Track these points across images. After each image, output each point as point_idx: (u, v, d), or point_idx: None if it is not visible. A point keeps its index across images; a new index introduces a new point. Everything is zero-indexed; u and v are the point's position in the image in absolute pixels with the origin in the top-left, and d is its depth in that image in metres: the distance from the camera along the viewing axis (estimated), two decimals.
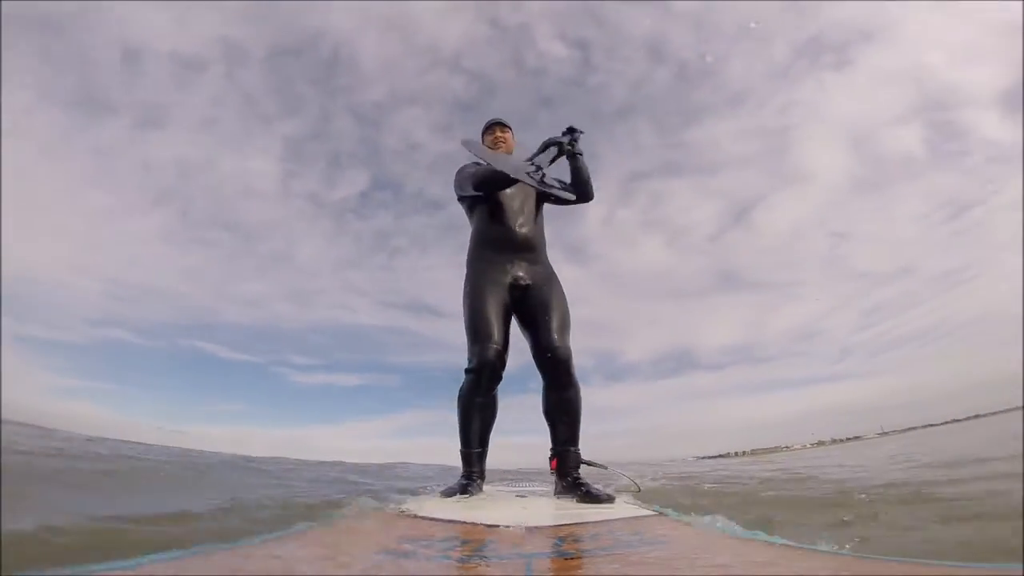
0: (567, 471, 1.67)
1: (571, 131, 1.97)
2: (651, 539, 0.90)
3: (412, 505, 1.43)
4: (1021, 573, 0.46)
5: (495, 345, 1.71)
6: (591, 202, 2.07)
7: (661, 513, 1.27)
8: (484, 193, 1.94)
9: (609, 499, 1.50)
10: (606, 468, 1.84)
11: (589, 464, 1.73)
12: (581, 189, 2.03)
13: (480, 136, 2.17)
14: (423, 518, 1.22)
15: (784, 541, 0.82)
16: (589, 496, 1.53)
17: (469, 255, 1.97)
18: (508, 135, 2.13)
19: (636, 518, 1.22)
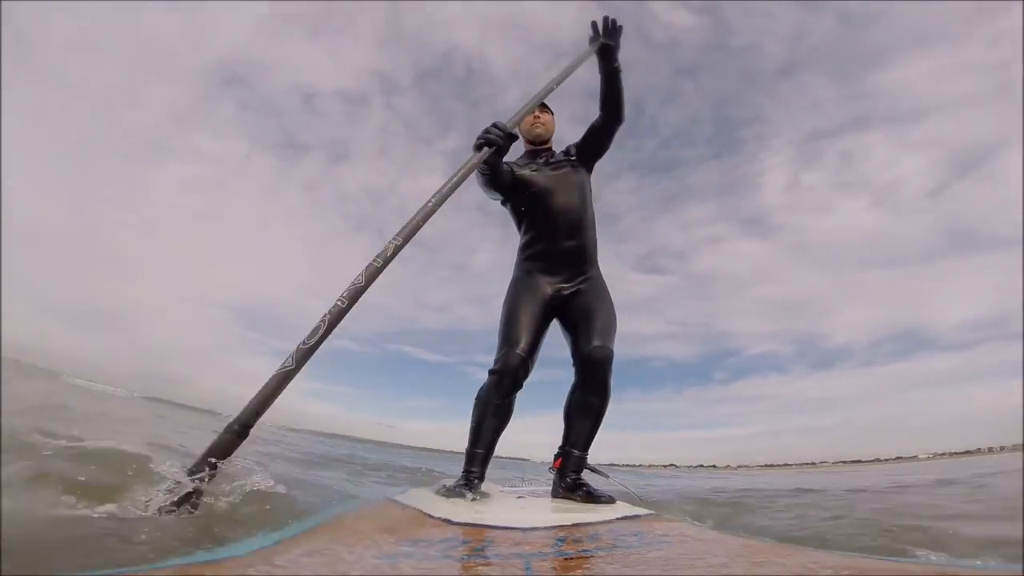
0: (568, 472, 1.67)
1: (597, 32, 1.78)
2: (651, 539, 0.90)
3: (411, 500, 1.43)
4: (1021, 573, 0.46)
5: (520, 352, 1.69)
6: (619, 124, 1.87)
7: (660, 514, 1.27)
8: (502, 189, 1.84)
9: (610, 500, 1.50)
10: (608, 477, 1.83)
11: (592, 470, 1.72)
12: (608, 108, 1.85)
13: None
14: (421, 512, 1.22)
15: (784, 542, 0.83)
16: (590, 496, 1.54)
17: (515, 265, 1.92)
18: (547, 116, 1.98)
19: (636, 518, 1.22)
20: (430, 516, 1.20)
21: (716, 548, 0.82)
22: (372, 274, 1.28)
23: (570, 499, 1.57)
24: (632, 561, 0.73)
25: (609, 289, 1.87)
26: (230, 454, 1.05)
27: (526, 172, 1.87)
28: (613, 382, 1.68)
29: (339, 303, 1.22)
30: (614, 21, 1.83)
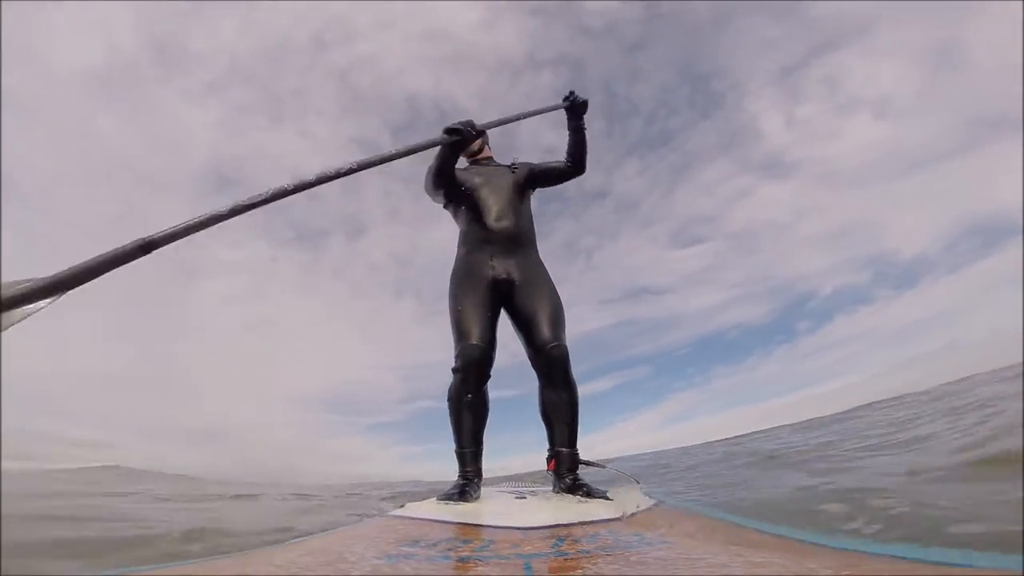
0: (565, 472, 1.67)
1: (570, 96, 1.97)
2: (651, 539, 0.90)
3: (410, 509, 1.43)
4: (1021, 573, 0.46)
5: (478, 343, 1.68)
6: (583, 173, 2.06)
7: (660, 503, 1.27)
8: (445, 186, 1.91)
9: (608, 497, 1.50)
10: (605, 467, 1.84)
11: (587, 464, 1.73)
12: (574, 158, 2.03)
13: None
14: (423, 520, 1.22)
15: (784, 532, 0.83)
16: (591, 495, 1.54)
17: (456, 258, 1.95)
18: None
19: (636, 515, 1.22)
20: (430, 518, 1.21)
21: (716, 548, 0.82)
22: (323, 178, 1.17)
23: (569, 499, 1.57)
24: (632, 561, 0.73)
25: (552, 276, 1.92)
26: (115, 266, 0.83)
27: (465, 174, 1.99)
28: (575, 373, 1.73)
29: (286, 186, 1.13)
30: (583, 99, 1.99)
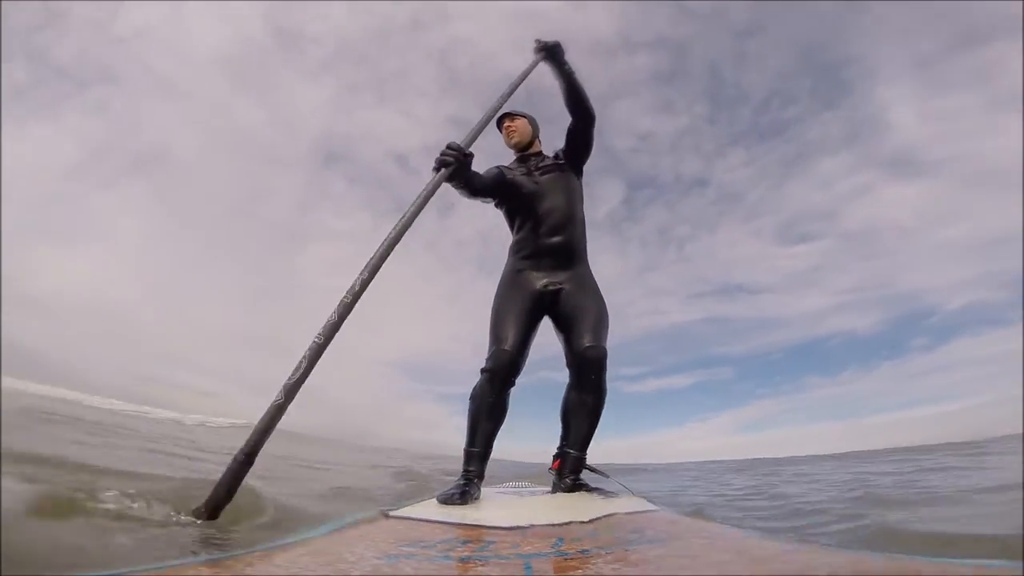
0: (567, 473, 1.67)
1: (541, 45, 1.85)
2: (651, 537, 0.90)
3: (410, 510, 1.43)
4: (1021, 572, 0.47)
5: (509, 348, 1.70)
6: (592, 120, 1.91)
7: (662, 508, 1.27)
8: (483, 197, 1.87)
9: (607, 493, 1.52)
10: (607, 476, 1.83)
11: (591, 470, 1.73)
12: (574, 109, 1.89)
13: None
14: (423, 520, 1.22)
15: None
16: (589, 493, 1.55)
17: (505, 265, 1.94)
18: (518, 122, 2.02)
19: (636, 514, 1.22)
20: (430, 519, 1.20)
21: (716, 546, 0.82)
22: (344, 310, 1.35)
23: (568, 498, 1.58)
24: (632, 560, 0.73)
25: (599, 286, 1.90)
26: (240, 481, 1.14)
27: (516, 176, 1.92)
28: (608, 380, 1.71)
29: (316, 340, 1.27)
30: (553, 41, 1.87)
